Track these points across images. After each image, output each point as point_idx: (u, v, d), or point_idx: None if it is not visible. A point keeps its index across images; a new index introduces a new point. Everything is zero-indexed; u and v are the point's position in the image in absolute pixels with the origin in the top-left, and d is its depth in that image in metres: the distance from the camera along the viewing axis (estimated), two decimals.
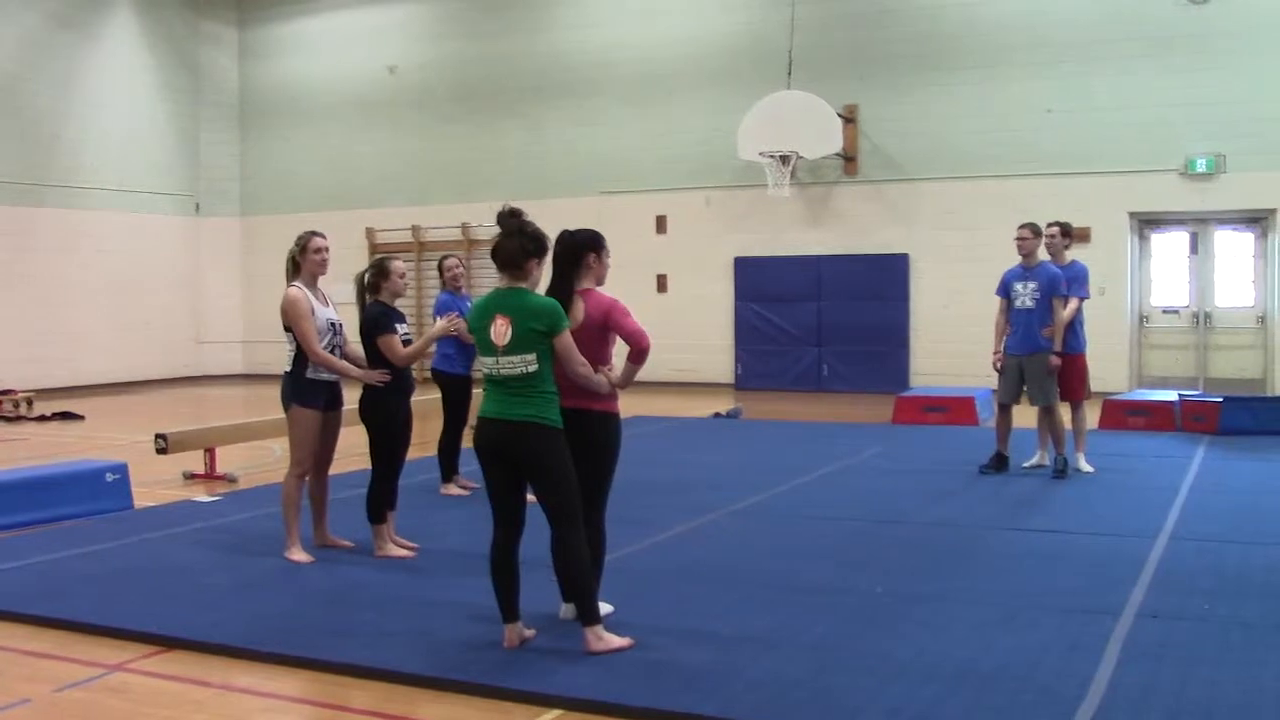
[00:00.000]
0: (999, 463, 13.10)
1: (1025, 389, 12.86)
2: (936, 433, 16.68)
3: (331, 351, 9.21)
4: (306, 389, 9.23)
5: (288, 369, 9.28)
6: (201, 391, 26.99)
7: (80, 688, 6.55)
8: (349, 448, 13.22)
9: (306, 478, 9.44)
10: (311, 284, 9.32)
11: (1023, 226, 12.94)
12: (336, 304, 9.53)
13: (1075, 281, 13.05)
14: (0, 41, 25.60)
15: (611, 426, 7.19)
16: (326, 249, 9.41)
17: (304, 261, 9.30)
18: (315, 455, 9.41)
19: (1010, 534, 10.05)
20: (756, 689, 6.17)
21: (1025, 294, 12.74)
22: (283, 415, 9.50)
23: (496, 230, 6.94)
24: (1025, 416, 13.72)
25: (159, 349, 28.47)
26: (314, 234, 9.41)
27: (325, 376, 9.29)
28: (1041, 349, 12.59)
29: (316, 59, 29.36)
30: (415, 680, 6.47)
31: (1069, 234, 13.44)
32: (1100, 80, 21.65)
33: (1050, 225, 13.31)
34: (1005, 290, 12.99)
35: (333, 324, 9.27)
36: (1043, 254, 13.03)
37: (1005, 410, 13.12)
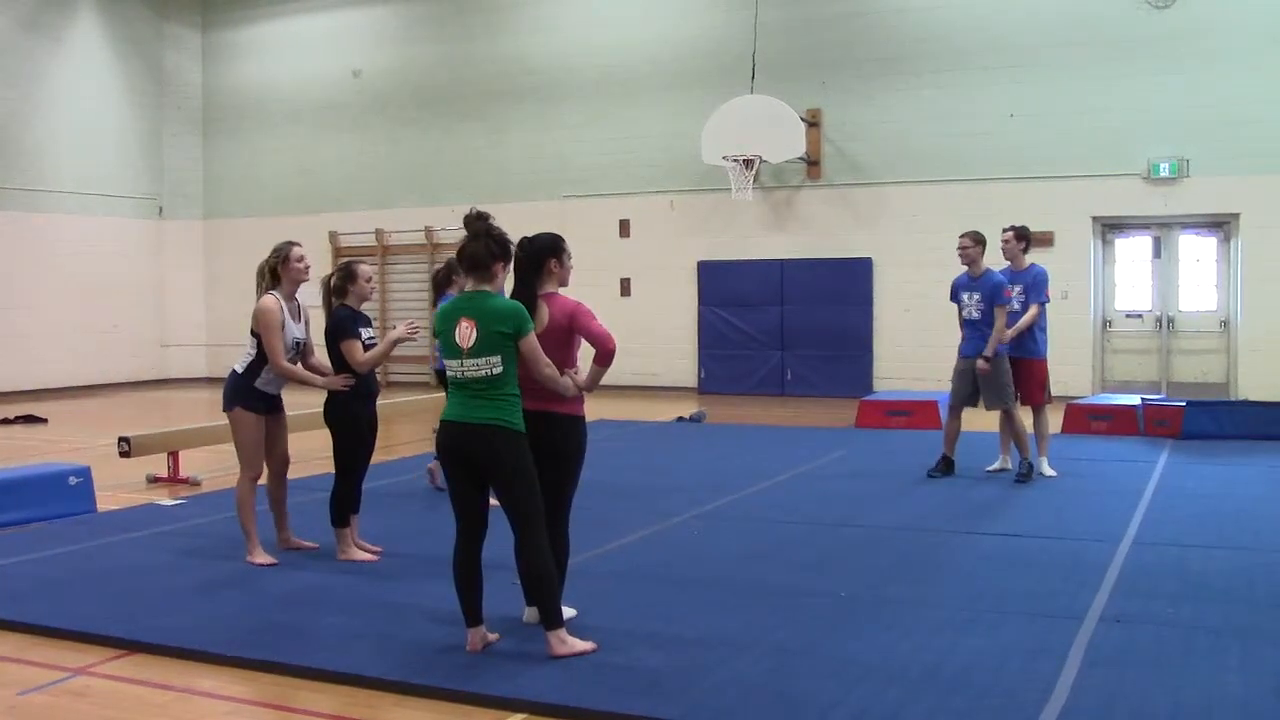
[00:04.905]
0: (945, 466, 13.13)
1: (981, 394, 12.87)
2: (900, 436, 16.72)
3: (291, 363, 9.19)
4: (250, 394, 9.21)
5: (239, 371, 9.22)
6: (165, 395, 26.87)
7: (42, 691, 6.51)
8: (312, 451, 13.20)
9: (260, 480, 9.41)
10: (290, 295, 9.27)
11: (964, 235, 12.93)
12: (307, 308, 9.47)
13: (1033, 287, 13.01)
14: None
15: (576, 429, 7.19)
16: (306, 257, 9.37)
17: (285, 271, 9.21)
18: (266, 457, 9.38)
19: (974, 538, 10.08)
20: (720, 692, 6.18)
21: (971, 305, 12.74)
22: None
23: (460, 234, 6.94)
24: (987, 421, 13.78)
25: (122, 352, 28.34)
26: (292, 244, 9.33)
27: (271, 390, 9.29)
28: (996, 353, 12.60)
29: (280, 63, 29.29)
30: (378, 684, 6.45)
31: (1025, 238, 13.30)
32: (1063, 85, 21.74)
33: (1005, 230, 13.28)
34: (956, 298, 13.00)
35: (297, 343, 9.25)
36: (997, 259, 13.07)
37: (955, 414, 13.14)
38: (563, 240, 7.31)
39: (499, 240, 6.87)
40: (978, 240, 12.82)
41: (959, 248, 12.85)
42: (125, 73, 28.78)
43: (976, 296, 12.65)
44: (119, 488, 12.96)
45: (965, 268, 12.89)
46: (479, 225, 6.86)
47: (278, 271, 9.22)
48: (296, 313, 9.30)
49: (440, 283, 11.50)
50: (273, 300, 9.11)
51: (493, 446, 6.67)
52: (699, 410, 20.16)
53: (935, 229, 21.93)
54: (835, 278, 23.58)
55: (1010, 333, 12.68)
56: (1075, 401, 17.96)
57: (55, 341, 26.65)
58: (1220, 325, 21.52)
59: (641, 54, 25.14)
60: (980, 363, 12.54)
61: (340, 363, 9.20)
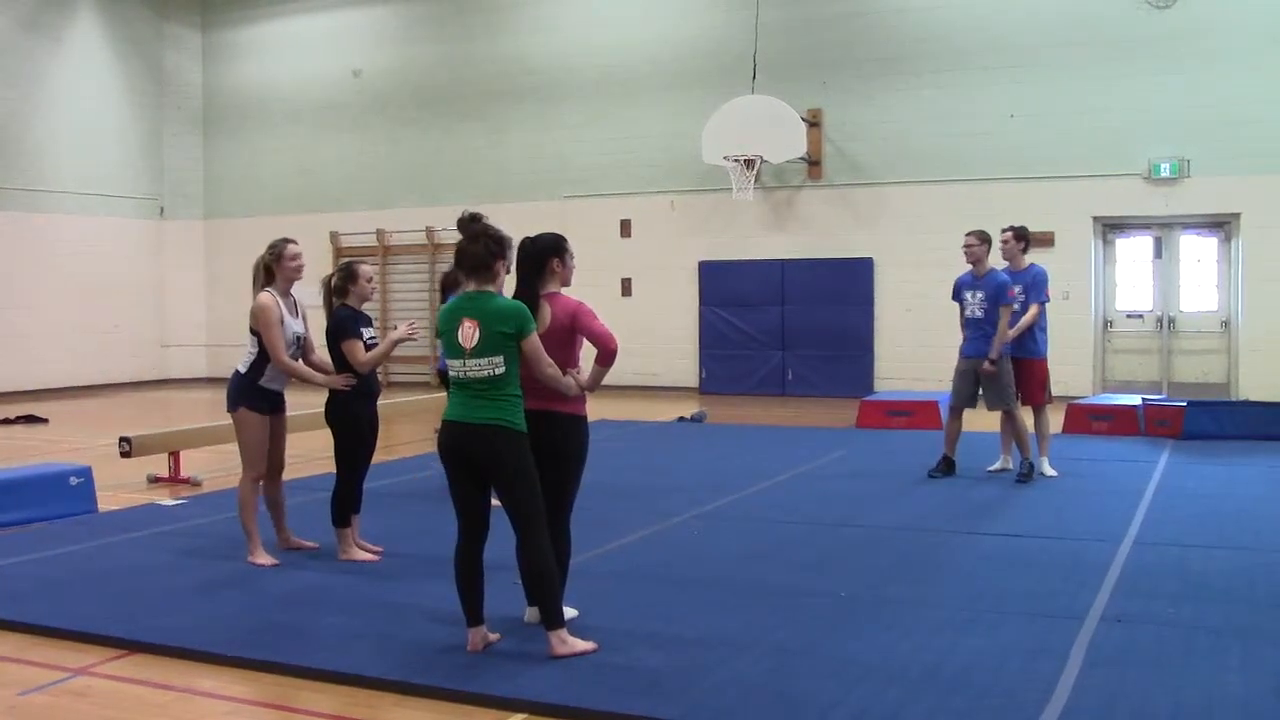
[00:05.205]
0: (946, 466, 13.12)
1: (982, 394, 12.88)
2: (901, 436, 16.71)
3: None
4: (255, 393, 9.21)
5: (242, 371, 9.23)
6: (166, 395, 26.86)
7: (43, 691, 6.51)
8: (313, 451, 13.21)
9: (260, 481, 9.42)
10: (285, 292, 9.28)
11: (970, 234, 12.94)
12: (306, 307, 9.48)
13: (1033, 286, 13.00)
14: None
15: (579, 429, 7.19)
16: (301, 254, 9.38)
17: (280, 269, 9.23)
18: (267, 459, 9.39)
19: (974, 538, 10.08)
20: (720, 692, 6.18)
21: (974, 304, 12.74)
22: None
23: (460, 235, 6.92)
24: (988, 421, 13.77)
25: (123, 352, 28.33)
26: (287, 241, 9.35)
27: (275, 386, 9.29)
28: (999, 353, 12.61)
29: (280, 62, 29.28)
30: (379, 684, 6.45)
31: (1024, 238, 13.32)
32: (1063, 85, 21.73)
33: (1004, 230, 13.29)
34: (958, 296, 13.00)
35: (298, 338, 9.25)
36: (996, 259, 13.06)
37: (956, 414, 13.14)
38: (565, 240, 7.31)
39: (497, 239, 6.86)
40: (983, 239, 12.83)
41: (964, 246, 12.86)
42: (125, 73, 28.77)
43: (980, 295, 12.66)
44: (119, 488, 12.95)
45: (969, 266, 12.88)
46: (475, 227, 6.85)
47: (272, 269, 9.24)
48: (294, 308, 9.31)
49: (449, 285, 11.50)
50: (269, 297, 9.12)
51: (494, 447, 6.67)
52: (699, 410, 20.16)
53: (936, 229, 21.91)
54: (836, 278, 23.57)
55: (1011, 333, 12.68)
56: (1076, 401, 17.96)
57: (55, 341, 26.63)
58: (1221, 325, 21.51)
59: (641, 54, 25.13)
60: (986, 365, 12.55)
61: (341, 362, 9.21)
